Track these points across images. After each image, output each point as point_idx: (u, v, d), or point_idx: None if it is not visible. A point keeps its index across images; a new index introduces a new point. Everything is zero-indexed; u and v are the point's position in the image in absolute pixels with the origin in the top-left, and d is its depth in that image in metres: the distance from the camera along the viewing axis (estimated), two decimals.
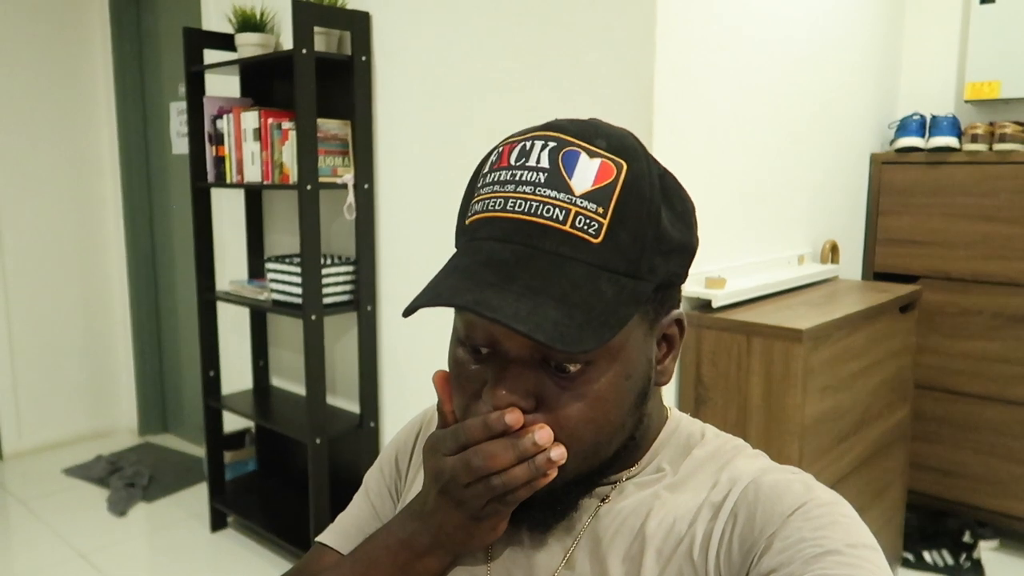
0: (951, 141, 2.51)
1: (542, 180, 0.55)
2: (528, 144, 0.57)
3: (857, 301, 2.02)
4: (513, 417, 0.55)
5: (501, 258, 0.55)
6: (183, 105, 3.15)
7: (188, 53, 2.49)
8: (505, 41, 1.98)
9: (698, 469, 0.64)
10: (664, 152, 1.75)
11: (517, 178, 0.56)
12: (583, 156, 0.56)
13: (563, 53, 1.86)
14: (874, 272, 2.66)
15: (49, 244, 3.43)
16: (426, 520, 0.63)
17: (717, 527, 0.58)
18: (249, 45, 2.41)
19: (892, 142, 2.67)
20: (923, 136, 2.60)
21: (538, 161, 0.56)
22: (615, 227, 0.54)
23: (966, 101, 2.64)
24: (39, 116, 3.36)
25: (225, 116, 2.46)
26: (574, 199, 0.54)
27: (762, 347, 1.71)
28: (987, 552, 2.47)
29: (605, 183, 0.55)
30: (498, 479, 0.56)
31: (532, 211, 0.54)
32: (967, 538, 2.41)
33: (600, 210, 0.54)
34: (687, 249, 0.60)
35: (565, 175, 0.55)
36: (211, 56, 2.60)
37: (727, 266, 1.97)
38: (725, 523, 0.58)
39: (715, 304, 1.81)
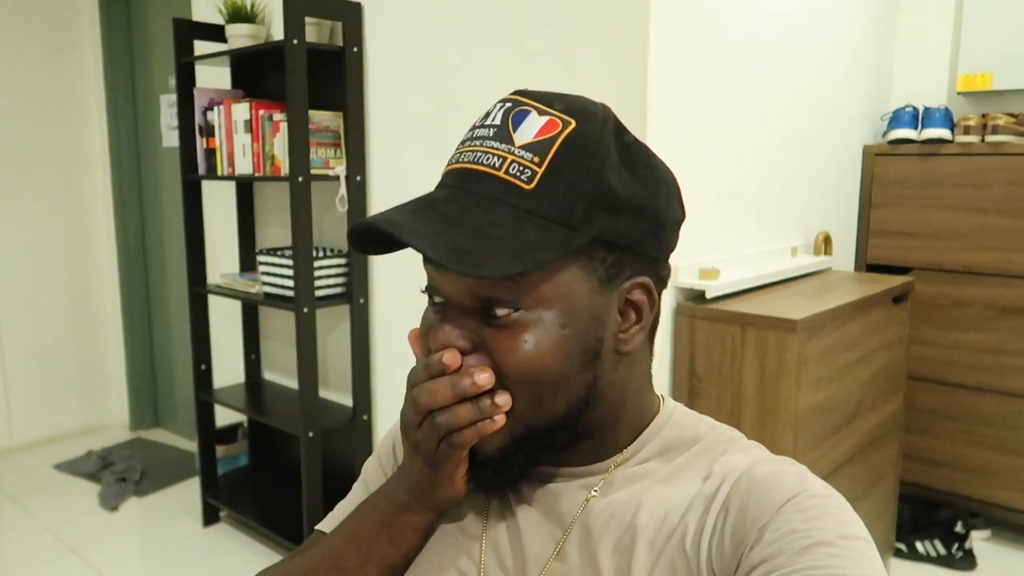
0: (944, 133, 2.51)
1: (490, 135, 0.59)
2: (492, 107, 0.62)
3: (850, 292, 2.02)
4: (449, 356, 0.58)
5: (433, 197, 0.59)
6: (173, 98, 3.13)
7: (178, 44, 2.47)
8: (497, 32, 1.97)
9: (691, 461, 0.64)
10: (657, 145, 1.74)
11: (472, 135, 0.61)
12: (532, 114, 0.59)
13: (556, 44, 1.85)
14: (867, 264, 2.67)
15: (39, 238, 3.41)
16: (404, 475, 0.67)
17: (709, 519, 0.58)
18: (240, 36, 2.39)
19: (885, 134, 2.67)
20: (916, 128, 2.60)
21: (492, 120, 0.60)
22: (550, 176, 0.56)
23: (959, 93, 2.64)
24: (28, 109, 3.33)
25: (216, 108, 2.44)
26: (513, 149, 0.57)
27: (756, 338, 1.71)
28: (979, 542, 2.49)
29: (546, 136, 0.58)
30: (441, 416, 0.58)
31: (474, 160, 0.58)
32: (959, 528, 2.42)
33: (536, 159, 0.57)
34: (645, 212, 0.60)
35: (510, 130, 0.58)
36: (201, 48, 2.58)
37: (721, 257, 1.97)
38: (717, 515, 0.58)
39: (709, 295, 1.81)
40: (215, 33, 2.50)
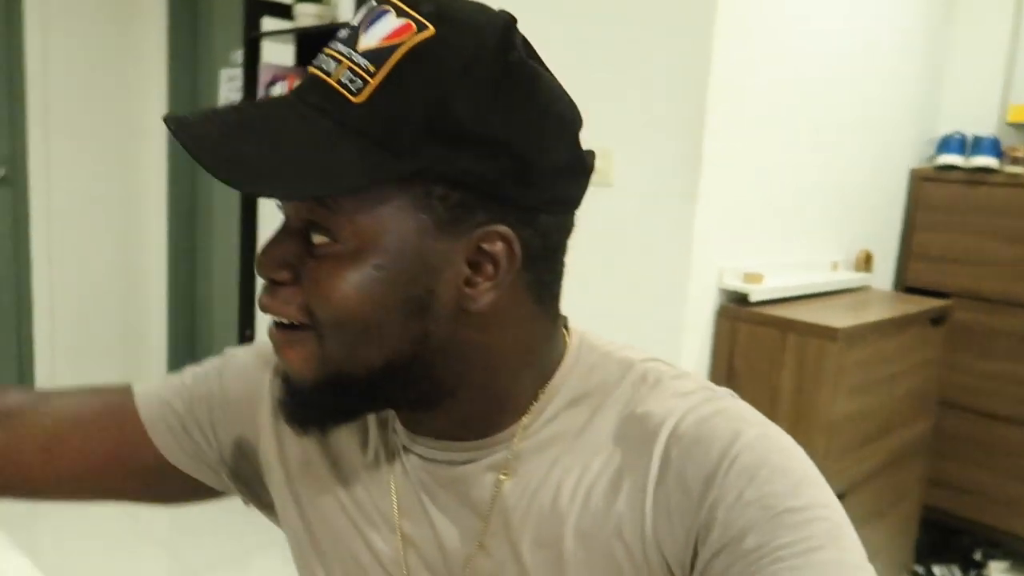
0: (992, 162, 2.52)
1: (344, 36, 0.51)
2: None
3: (889, 309, 2.05)
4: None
5: (253, 103, 0.53)
6: (233, 72, 3.21)
7: (247, 19, 2.55)
8: (560, 29, 2.01)
9: (603, 421, 0.56)
10: (714, 152, 1.77)
11: (335, 36, 0.54)
12: (390, 15, 0.50)
13: (617, 47, 1.89)
14: (905, 286, 2.68)
15: (92, 201, 3.50)
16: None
17: (648, 500, 0.52)
18: (307, 15, 2.46)
19: (932, 158, 2.68)
20: (964, 155, 2.61)
21: (354, 20, 0.52)
22: (383, 90, 0.48)
23: (1008, 123, 2.65)
24: (91, 73, 3.42)
25: (279, 83, 2.51)
26: (352, 54, 0.49)
27: (796, 343, 1.74)
28: (997, 573, 2.48)
29: (392, 42, 0.48)
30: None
31: (318, 64, 0.51)
32: (978, 556, 2.43)
33: (372, 68, 0.48)
34: (502, 150, 0.50)
35: (361, 31, 0.50)
36: (268, 25, 2.65)
37: (764, 264, 2.00)
38: (655, 493, 0.52)
39: (752, 299, 1.84)
40: (283, 11, 2.57)
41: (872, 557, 0.47)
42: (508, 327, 0.55)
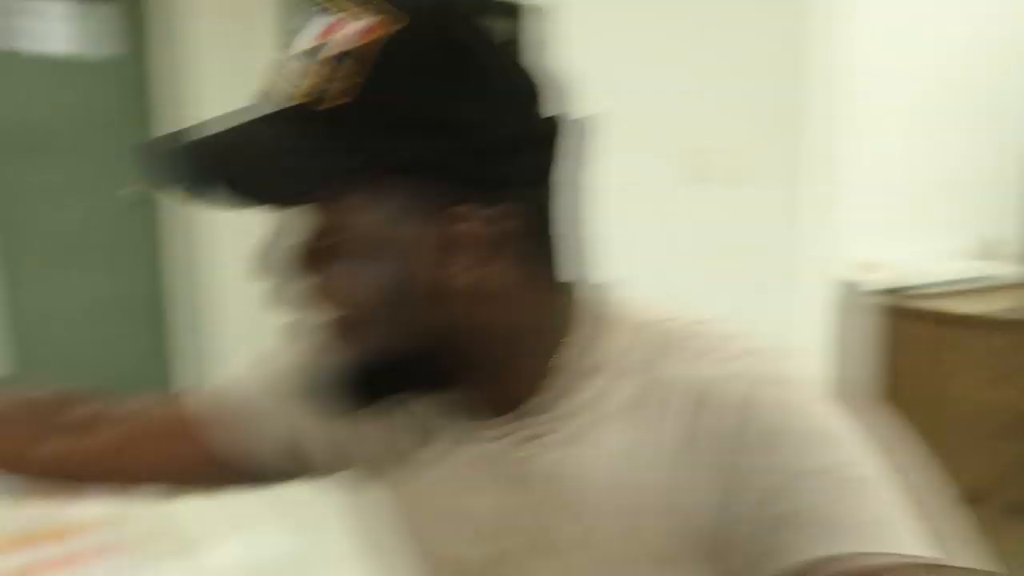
0: None
1: (293, 44, 0.53)
2: None
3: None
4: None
5: (223, 131, 0.54)
6: None
7: None
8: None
9: (624, 386, 0.56)
10: (836, 144, 1.78)
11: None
12: (328, 14, 0.51)
13: (736, 43, 1.91)
14: None
15: (222, 220, 3.70)
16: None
17: (672, 467, 0.52)
18: None
19: None
20: None
21: (301, 26, 0.53)
22: (325, 92, 0.50)
23: None
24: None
25: None
26: (293, 60, 0.51)
27: (941, 332, 1.73)
28: None
29: (327, 40, 0.50)
30: None
31: (271, 74, 0.53)
32: None
33: (315, 71, 0.50)
34: (452, 132, 0.50)
35: (308, 36, 0.52)
36: None
37: (887, 254, 1.98)
38: (679, 461, 0.52)
39: (878, 289, 1.84)
40: None
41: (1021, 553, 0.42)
42: (505, 303, 0.54)
